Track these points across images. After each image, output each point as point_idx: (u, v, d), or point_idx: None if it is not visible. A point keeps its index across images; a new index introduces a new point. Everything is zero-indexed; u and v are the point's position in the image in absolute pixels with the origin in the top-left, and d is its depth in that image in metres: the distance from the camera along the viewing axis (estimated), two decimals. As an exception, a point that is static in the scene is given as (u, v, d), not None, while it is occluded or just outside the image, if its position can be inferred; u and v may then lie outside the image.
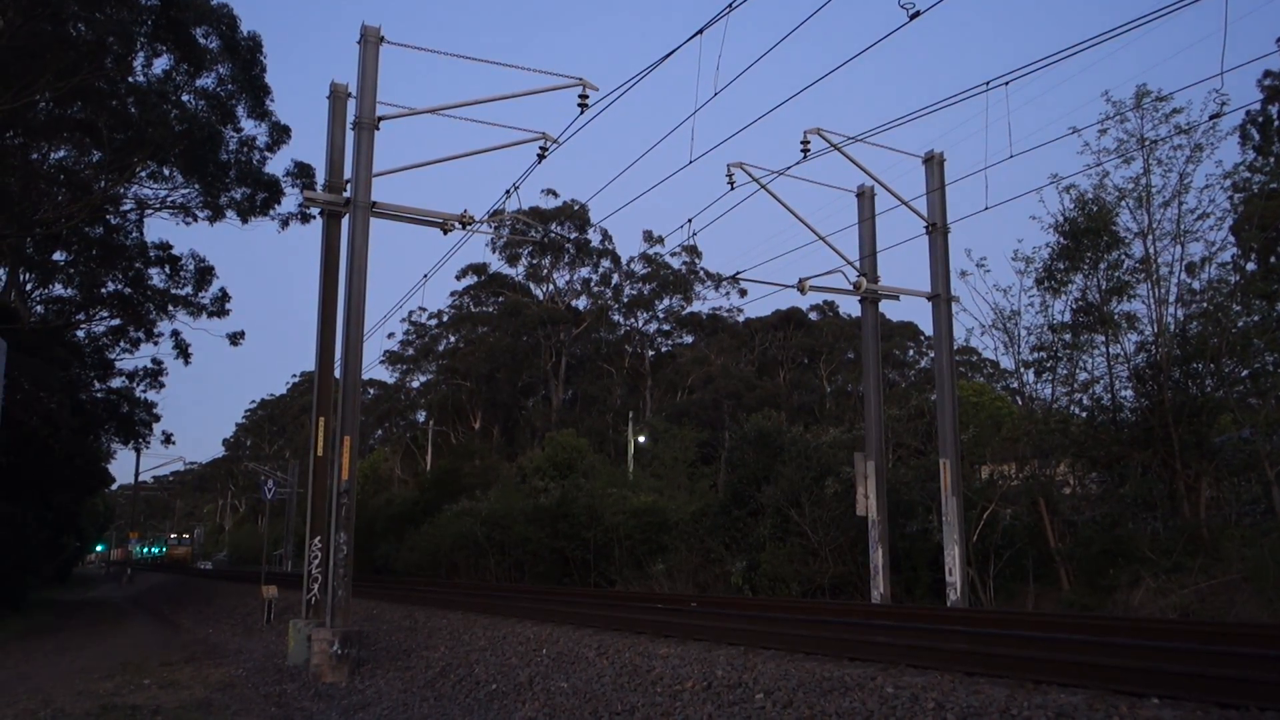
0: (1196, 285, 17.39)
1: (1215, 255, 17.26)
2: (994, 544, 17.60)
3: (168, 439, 69.89)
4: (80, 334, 33.43)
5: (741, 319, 66.10)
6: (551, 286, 64.33)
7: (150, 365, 35.62)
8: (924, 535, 18.85)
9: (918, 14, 10.36)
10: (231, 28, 26.45)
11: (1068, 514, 18.08)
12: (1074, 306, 18.47)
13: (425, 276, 37.56)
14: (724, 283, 61.13)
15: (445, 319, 68.31)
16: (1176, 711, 5.57)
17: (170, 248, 31.88)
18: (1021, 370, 19.45)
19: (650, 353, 64.98)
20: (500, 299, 64.66)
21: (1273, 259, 21.50)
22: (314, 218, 26.99)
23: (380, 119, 13.69)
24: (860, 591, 18.78)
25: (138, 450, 49.27)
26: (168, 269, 31.78)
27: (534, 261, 63.32)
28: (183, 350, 33.69)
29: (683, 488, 34.23)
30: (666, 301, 64.84)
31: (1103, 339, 18.15)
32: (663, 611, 13.04)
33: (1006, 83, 12.08)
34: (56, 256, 30.99)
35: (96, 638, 21.93)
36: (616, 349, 63.73)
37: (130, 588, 55.29)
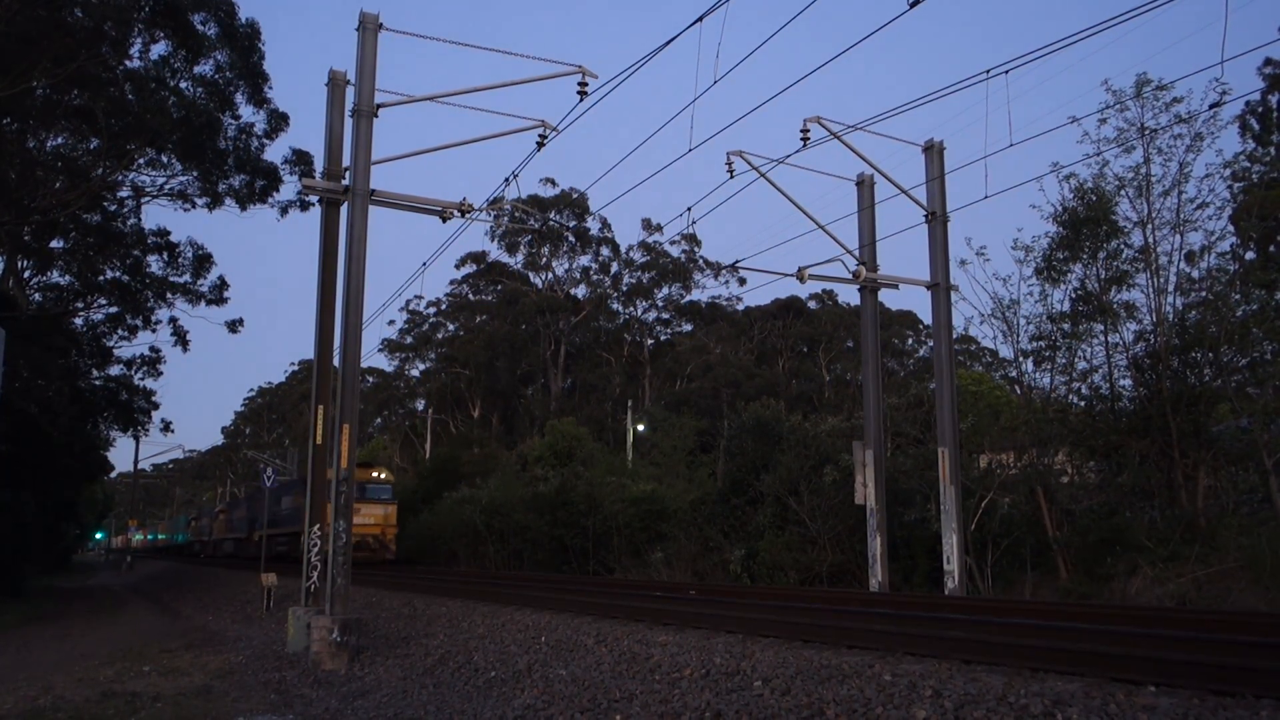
0: (1195, 274, 17.41)
1: (1214, 244, 17.27)
2: (992, 532, 17.64)
3: (166, 427, 69.65)
4: (78, 322, 33.40)
5: (740, 307, 66.07)
6: (550, 275, 64.25)
7: (148, 353, 35.60)
8: (922, 524, 18.88)
9: (918, 1, 10.32)
10: (230, 14, 26.33)
11: (1066, 503, 18.11)
12: (1073, 296, 18.47)
13: (424, 265, 37.46)
14: (723, 271, 61.02)
15: (444, 307, 68.26)
16: (1173, 699, 5.60)
17: (168, 234, 31.83)
18: (1020, 359, 19.47)
19: (649, 341, 64.96)
20: (499, 287, 64.58)
21: (1272, 248, 21.50)
22: (313, 205, 26.94)
23: (379, 106, 13.65)
24: (858, 580, 18.82)
25: (136, 438, 49.27)
26: (166, 256, 31.73)
27: (533, 250, 63.23)
28: (181, 338, 33.64)
29: (681, 476, 34.26)
30: (665, 290, 64.76)
31: (1101, 328, 18.16)
32: (661, 599, 13.08)
33: (1006, 71, 12.05)
34: (54, 244, 30.93)
35: (96, 625, 21.99)
36: (615, 337, 63.69)
37: (130, 575, 55.42)
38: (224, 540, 49.94)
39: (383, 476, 33.41)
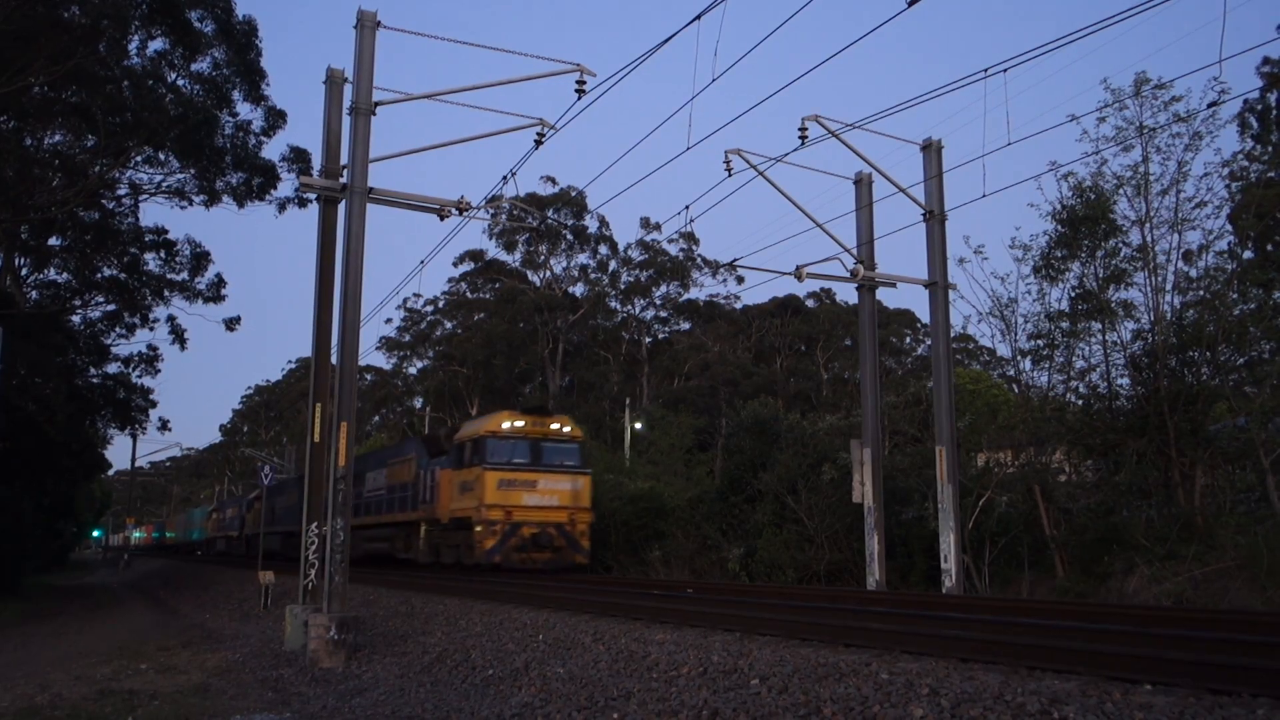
0: (1193, 273, 17.43)
1: (1212, 243, 17.30)
2: (989, 531, 17.66)
3: (164, 425, 70.14)
4: (76, 319, 33.34)
5: (739, 306, 66.05)
6: (548, 273, 64.20)
7: (146, 350, 35.53)
8: (920, 522, 18.90)
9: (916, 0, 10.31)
10: (227, 11, 26.29)
11: (1063, 501, 18.14)
12: (1071, 294, 18.49)
13: (422, 263, 37.45)
14: (721, 269, 60.93)
15: (442, 305, 68.22)
16: (1169, 698, 5.60)
17: (166, 232, 31.79)
18: (1018, 358, 19.50)
19: (647, 339, 64.93)
20: (497, 285, 64.53)
21: (1269, 247, 21.51)
22: (311, 202, 26.91)
23: (377, 104, 13.64)
24: (856, 578, 18.83)
25: (134, 436, 49.22)
26: (163, 254, 31.66)
27: (531, 248, 63.20)
28: (179, 335, 33.56)
29: (679, 474, 34.27)
30: (664, 288, 64.73)
31: (1099, 327, 18.17)
32: (659, 597, 13.08)
33: (1005, 70, 12.05)
34: (52, 241, 30.87)
35: (93, 622, 21.98)
36: (613, 335, 63.65)
37: (128, 573, 55.40)
38: (262, 535, 36.71)
39: (567, 430, 20.96)
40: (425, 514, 22.28)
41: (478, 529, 19.26)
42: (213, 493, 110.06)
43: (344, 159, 13.88)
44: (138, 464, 68.53)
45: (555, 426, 20.73)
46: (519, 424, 20.38)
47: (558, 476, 20.15)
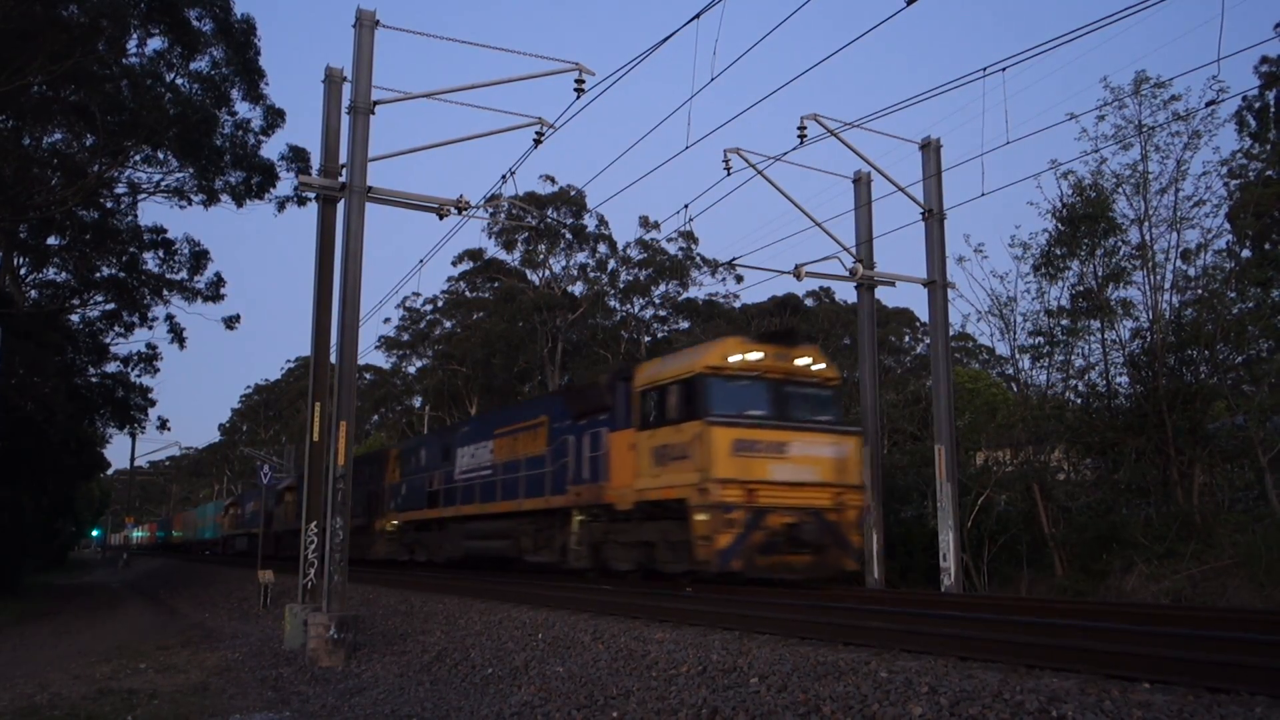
0: (1192, 272, 17.47)
1: (1211, 242, 17.35)
2: (988, 529, 17.68)
3: (163, 424, 70.10)
4: (75, 319, 33.31)
5: (738, 305, 66.01)
6: (548, 272, 64.19)
7: (145, 350, 35.52)
8: (919, 521, 18.92)
9: (915, -1, 10.32)
10: (225, 10, 26.26)
11: (1062, 500, 18.16)
12: (1071, 293, 18.53)
13: (421, 262, 37.45)
14: (720, 268, 60.91)
15: (441, 304, 68.23)
16: (1168, 695, 5.61)
17: (164, 231, 31.76)
18: (1017, 356, 19.53)
19: (646, 338, 64.96)
20: (496, 284, 64.52)
21: (1267, 246, 21.53)
22: (310, 200, 26.88)
23: (376, 103, 13.63)
24: (855, 577, 18.85)
25: (133, 435, 49.20)
26: (162, 253, 31.65)
27: (530, 247, 63.19)
28: (178, 335, 33.52)
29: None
30: (663, 287, 64.71)
31: (1099, 325, 18.20)
32: (658, 596, 13.08)
33: (1004, 69, 12.07)
34: (51, 241, 30.84)
35: (93, 622, 21.98)
36: (613, 334, 63.64)
37: (127, 572, 55.42)
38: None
39: (821, 369, 14.08)
40: (580, 497, 15.55)
41: (699, 518, 12.62)
42: (212, 492, 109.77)
43: (343, 158, 13.87)
44: (137, 463, 68.46)
45: (804, 362, 13.86)
46: (754, 356, 13.49)
47: (816, 438, 13.42)
